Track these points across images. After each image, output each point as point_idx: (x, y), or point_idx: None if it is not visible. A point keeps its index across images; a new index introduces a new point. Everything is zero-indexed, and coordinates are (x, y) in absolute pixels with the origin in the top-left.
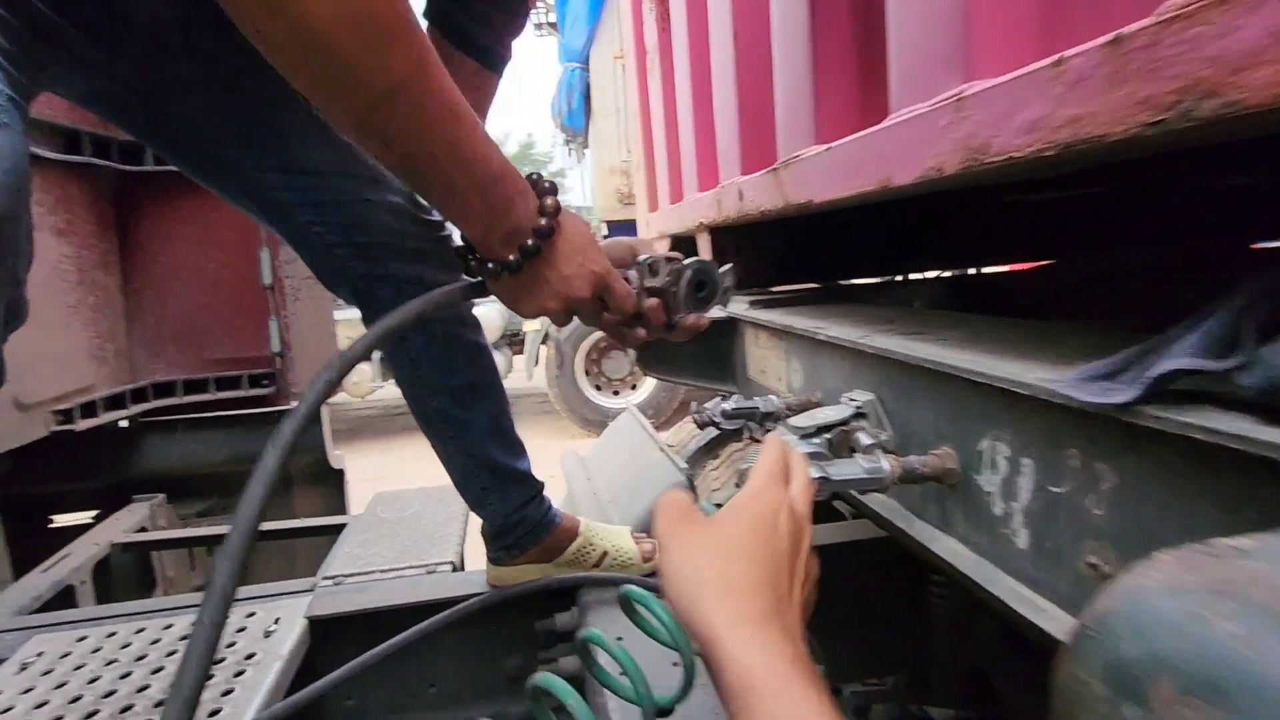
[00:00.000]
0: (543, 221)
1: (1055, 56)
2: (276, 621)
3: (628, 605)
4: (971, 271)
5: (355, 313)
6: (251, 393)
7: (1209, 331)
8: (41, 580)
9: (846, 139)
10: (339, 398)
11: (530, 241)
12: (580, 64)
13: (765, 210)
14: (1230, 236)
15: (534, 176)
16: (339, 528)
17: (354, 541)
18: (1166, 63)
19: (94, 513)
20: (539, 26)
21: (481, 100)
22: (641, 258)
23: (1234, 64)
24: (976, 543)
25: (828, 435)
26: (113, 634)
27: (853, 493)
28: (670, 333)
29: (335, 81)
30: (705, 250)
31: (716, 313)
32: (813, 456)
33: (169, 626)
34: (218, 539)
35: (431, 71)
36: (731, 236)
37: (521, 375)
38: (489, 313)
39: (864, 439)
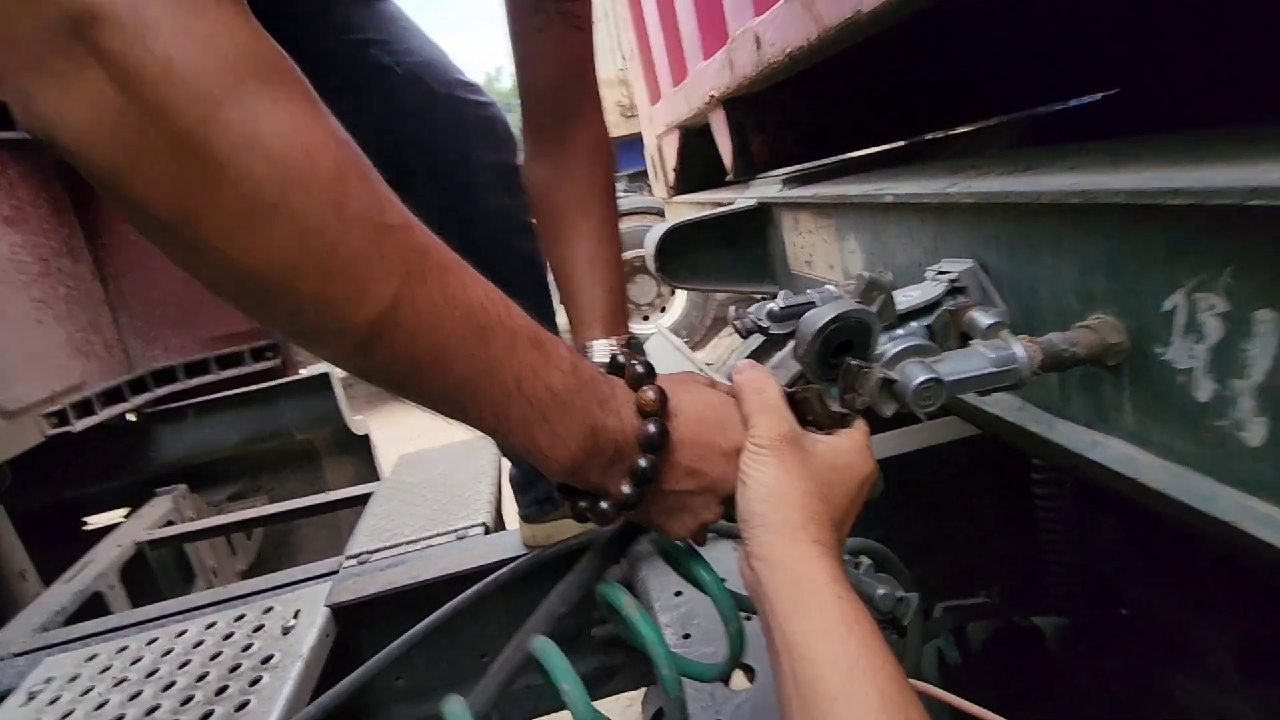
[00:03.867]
0: (651, 428)
1: None
2: (296, 615)
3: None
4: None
5: None
6: (256, 368)
7: None
8: (65, 591)
9: None
10: None
11: (642, 462)
12: None
13: (794, 51)
14: None
15: (622, 359)
16: (366, 497)
17: (379, 512)
18: None
19: (125, 510)
20: None
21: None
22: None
23: None
24: (1164, 444)
25: (925, 322)
26: (124, 648)
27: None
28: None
29: (306, 330)
30: (721, 134)
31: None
32: (915, 351)
33: (183, 633)
34: (254, 522)
35: (427, 291)
36: (751, 109)
37: None
38: None
39: (982, 319)
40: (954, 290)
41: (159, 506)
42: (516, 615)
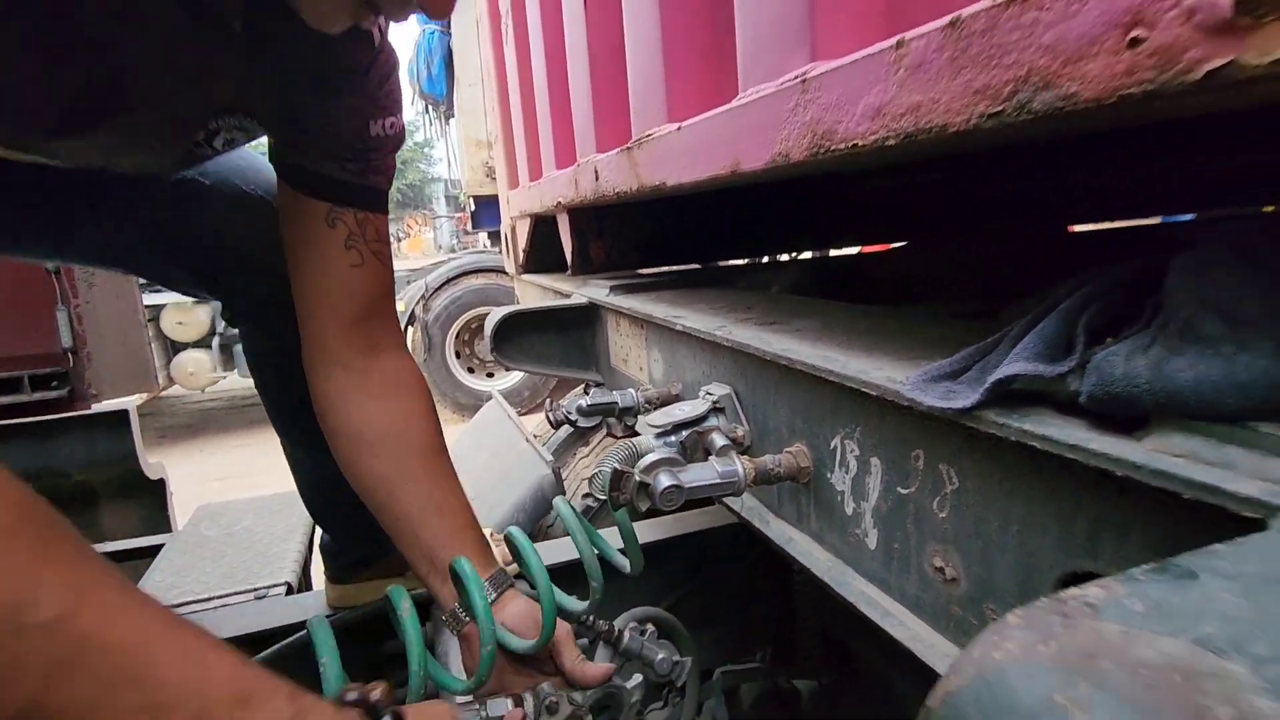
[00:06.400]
0: None
1: (896, 38)
2: None
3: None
4: (832, 253)
5: (175, 296)
6: (37, 397)
7: (1044, 333)
8: None
9: (697, 118)
10: (172, 390)
11: None
12: (440, 26)
13: (621, 192)
14: (1053, 221)
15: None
16: (155, 549)
17: (170, 567)
18: (1003, 49)
19: None
20: None
21: (376, 260)
22: None
23: (1069, 53)
24: (830, 542)
25: (685, 433)
26: None
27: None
28: None
29: None
30: (565, 235)
31: None
32: (666, 463)
33: None
34: None
35: (75, 685)
36: (593, 217)
37: None
38: None
39: (718, 440)
40: (715, 409)
41: None
42: (312, 683)
